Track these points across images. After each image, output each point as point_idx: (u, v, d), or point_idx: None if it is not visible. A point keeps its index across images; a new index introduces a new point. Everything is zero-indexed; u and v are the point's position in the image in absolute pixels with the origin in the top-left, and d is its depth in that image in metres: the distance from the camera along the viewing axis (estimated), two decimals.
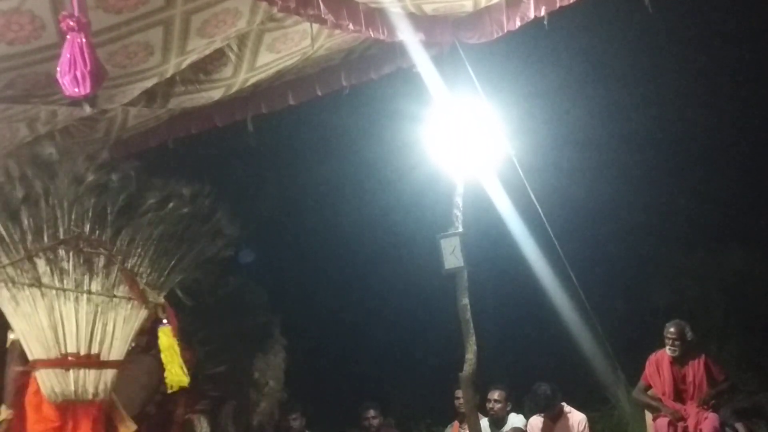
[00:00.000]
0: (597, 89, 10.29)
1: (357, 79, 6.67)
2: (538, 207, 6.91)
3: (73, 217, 4.73)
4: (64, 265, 4.76)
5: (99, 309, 4.82)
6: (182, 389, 5.51)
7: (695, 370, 7.14)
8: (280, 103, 6.83)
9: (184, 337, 5.76)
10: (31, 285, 4.72)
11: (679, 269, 10.19)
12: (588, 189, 9.89)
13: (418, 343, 10.72)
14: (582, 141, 10.04)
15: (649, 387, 7.40)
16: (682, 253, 10.26)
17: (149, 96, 5.94)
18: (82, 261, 4.78)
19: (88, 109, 4.75)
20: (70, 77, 3.43)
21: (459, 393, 7.37)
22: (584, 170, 10.07)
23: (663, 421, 7.13)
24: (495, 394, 7.74)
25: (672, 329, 7.20)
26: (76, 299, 4.77)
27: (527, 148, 6.80)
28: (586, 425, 7.51)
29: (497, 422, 7.75)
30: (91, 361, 4.77)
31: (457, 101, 6.29)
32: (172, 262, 5.03)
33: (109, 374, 4.83)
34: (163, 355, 4.97)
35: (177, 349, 5.02)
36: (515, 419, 7.73)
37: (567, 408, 7.57)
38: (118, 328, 4.87)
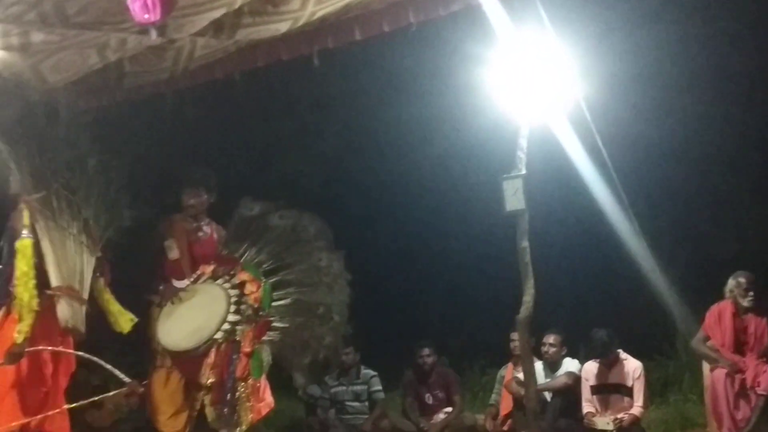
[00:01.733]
0: (670, 24, 9.87)
1: (425, 15, 6.54)
2: (603, 150, 6.81)
3: (52, 167, 5.26)
4: (60, 206, 5.27)
5: (75, 250, 5.30)
6: (249, 319, 5.70)
7: (757, 322, 7.07)
8: (346, 37, 6.75)
9: (251, 269, 5.89)
10: (50, 219, 5.22)
11: (746, 219, 9.96)
12: (657, 130, 9.60)
13: (476, 284, 10.70)
14: (653, 79, 9.69)
15: (708, 338, 7.31)
16: (750, 201, 10.00)
17: (217, 27, 5.93)
18: (64, 206, 5.28)
19: (154, 35, 4.79)
20: (141, 3, 3.45)
21: (514, 335, 7.39)
22: (654, 110, 9.75)
23: (720, 373, 7.04)
24: (550, 338, 7.76)
25: (744, 279, 7.13)
26: (71, 238, 5.27)
27: (596, 88, 6.66)
28: (642, 373, 7.46)
29: (552, 366, 7.77)
30: (79, 296, 5.25)
31: (525, 40, 6.18)
32: (107, 219, 5.47)
33: (83, 311, 5.29)
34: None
35: (109, 297, 5.51)
36: (570, 364, 7.74)
37: (623, 355, 7.53)
38: (86, 271, 5.32)
